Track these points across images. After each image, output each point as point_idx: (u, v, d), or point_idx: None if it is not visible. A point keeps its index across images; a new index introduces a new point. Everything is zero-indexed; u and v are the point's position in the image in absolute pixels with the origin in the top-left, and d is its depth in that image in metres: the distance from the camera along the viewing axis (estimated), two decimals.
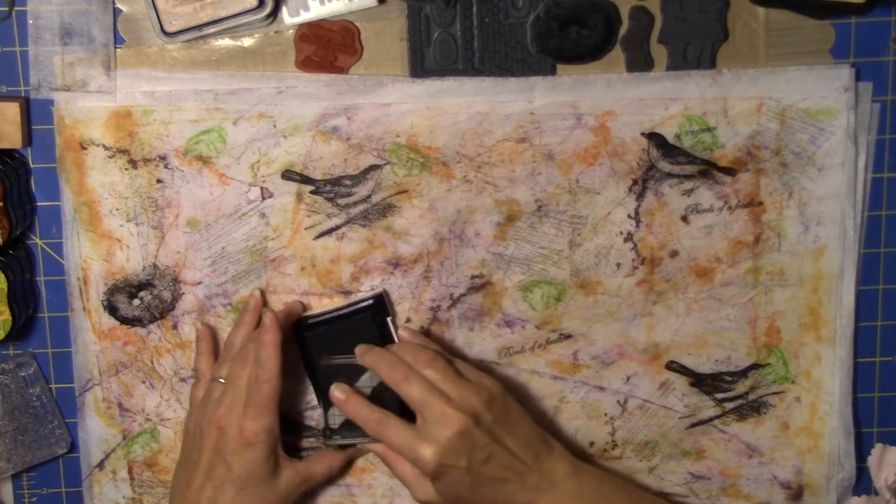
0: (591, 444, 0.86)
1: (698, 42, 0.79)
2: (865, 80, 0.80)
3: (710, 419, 0.85)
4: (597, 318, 0.83)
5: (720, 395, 0.85)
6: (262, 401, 0.75)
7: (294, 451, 0.83)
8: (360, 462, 0.85)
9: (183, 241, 0.81)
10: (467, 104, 0.79)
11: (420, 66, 0.79)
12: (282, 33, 0.79)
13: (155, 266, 0.81)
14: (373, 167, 0.80)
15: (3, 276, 0.77)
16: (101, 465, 0.84)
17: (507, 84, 0.79)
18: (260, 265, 0.82)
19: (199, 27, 0.76)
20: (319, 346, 0.80)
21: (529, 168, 0.81)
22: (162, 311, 0.82)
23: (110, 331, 0.82)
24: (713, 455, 0.86)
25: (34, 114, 0.79)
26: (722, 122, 0.80)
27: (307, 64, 0.79)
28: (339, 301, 0.82)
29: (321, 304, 0.82)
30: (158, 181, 0.80)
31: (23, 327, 0.82)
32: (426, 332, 0.82)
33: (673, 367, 0.84)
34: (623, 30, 0.79)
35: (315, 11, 0.78)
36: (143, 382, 0.83)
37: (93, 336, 0.82)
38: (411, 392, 0.74)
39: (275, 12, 0.77)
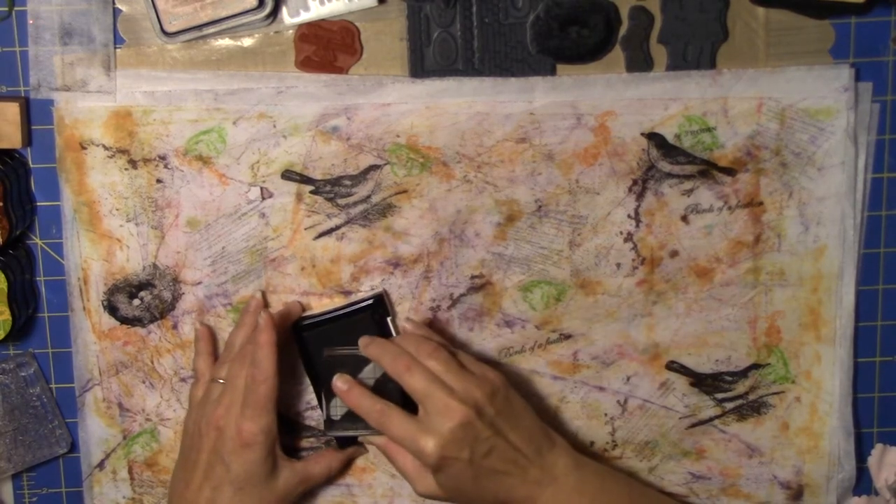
0: (592, 444, 0.86)
1: (698, 42, 0.79)
2: (865, 80, 0.80)
3: (711, 419, 0.85)
4: (597, 319, 0.83)
5: (720, 395, 0.85)
6: (260, 401, 0.75)
7: (293, 452, 0.83)
8: (360, 462, 0.85)
9: (183, 241, 0.81)
10: (467, 104, 0.79)
11: (420, 66, 0.79)
12: (282, 33, 0.79)
13: (155, 266, 0.81)
14: (373, 167, 0.80)
15: (3, 276, 0.77)
16: (101, 465, 0.84)
17: (507, 84, 0.79)
18: (260, 265, 0.82)
19: (199, 27, 0.76)
20: (319, 347, 0.80)
21: (529, 168, 0.80)
22: (162, 311, 0.82)
23: (110, 331, 0.82)
24: (713, 455, 0.86)
25: (34, 114, 0.79)
26: (722, 122, 0.80)
27: (307, 64, 0.79)
28: (339, 301, 0.82)
29: (321, 304, 0.82)
30: (158, 181, 0.80)
31: (23, 327, 0.82)
32: (429, 326, 0.82)
33: (673, 367, 0.84)
34: (623, 30, 0.79)
35: (315, 11, 0.78)
36: (144, 382, 0.83)
37: (93, 336, 0.82)
38: (414, 383, 0.73)
39: (275, 12, 0.77)
